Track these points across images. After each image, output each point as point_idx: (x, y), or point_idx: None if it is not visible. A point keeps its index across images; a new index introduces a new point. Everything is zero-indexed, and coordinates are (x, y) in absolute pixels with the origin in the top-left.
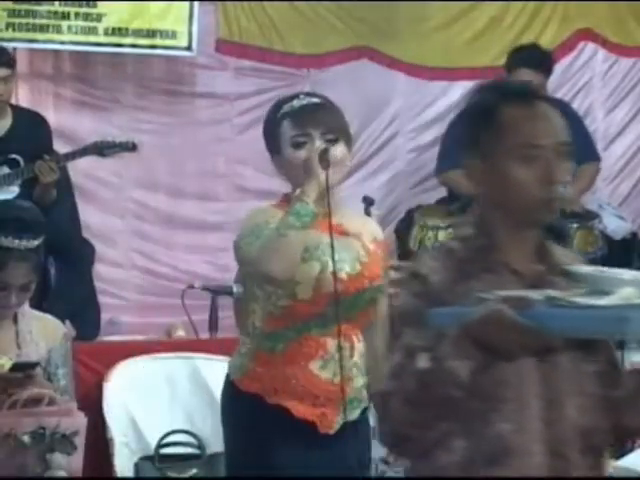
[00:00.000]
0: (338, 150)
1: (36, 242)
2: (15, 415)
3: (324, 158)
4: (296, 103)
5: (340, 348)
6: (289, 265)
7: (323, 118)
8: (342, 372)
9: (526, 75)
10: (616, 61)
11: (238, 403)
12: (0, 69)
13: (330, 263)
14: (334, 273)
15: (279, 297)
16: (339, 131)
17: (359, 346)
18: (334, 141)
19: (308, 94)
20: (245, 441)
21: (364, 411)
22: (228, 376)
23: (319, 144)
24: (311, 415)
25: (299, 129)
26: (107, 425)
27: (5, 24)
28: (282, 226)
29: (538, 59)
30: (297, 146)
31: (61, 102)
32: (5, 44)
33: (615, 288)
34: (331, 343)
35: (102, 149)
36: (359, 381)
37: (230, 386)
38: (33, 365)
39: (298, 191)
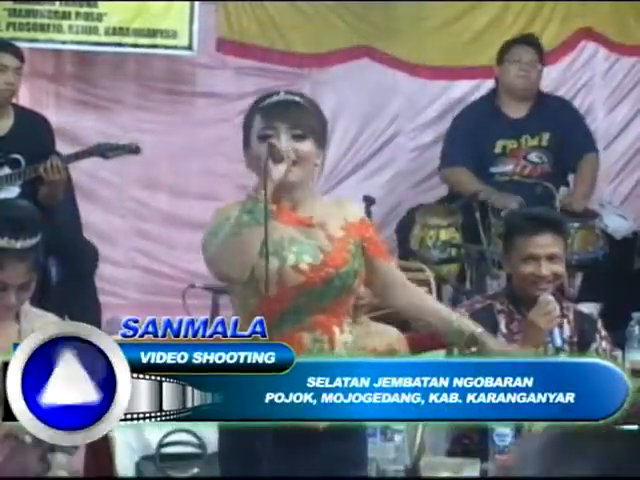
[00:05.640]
0: (303, 146)
1: (33, 241)
2: None
3: (274, 152)
4: (273, 99)
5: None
6: (247, 264)
7: (293, 113)
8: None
9: (522, 50)
10: (617, 60)
11: None
12: (12, 59)
13: (290, 256)
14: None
15: (247, 296)
16: (308, 127)
17: (342, 337)
18: (301, 137)
19: (289, 92)
20: (241, 444)
21: None
22: None
23: (284, 138)
24: None
25: (266, 122)
26: None
27: (6, 24)
28: (236, 225)
29: (530, 37)
30: (262, 139)
31: (62, 102)
32: None
33: None
34: (307, 337)
35: (105, 151)
36: None
37: None
38: None
39: (251, 188)
